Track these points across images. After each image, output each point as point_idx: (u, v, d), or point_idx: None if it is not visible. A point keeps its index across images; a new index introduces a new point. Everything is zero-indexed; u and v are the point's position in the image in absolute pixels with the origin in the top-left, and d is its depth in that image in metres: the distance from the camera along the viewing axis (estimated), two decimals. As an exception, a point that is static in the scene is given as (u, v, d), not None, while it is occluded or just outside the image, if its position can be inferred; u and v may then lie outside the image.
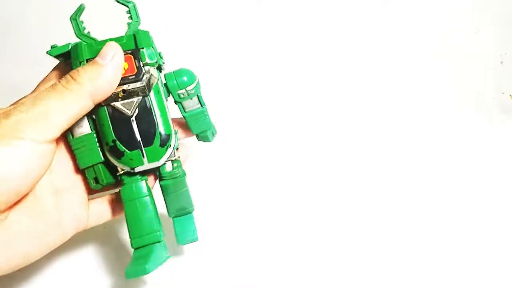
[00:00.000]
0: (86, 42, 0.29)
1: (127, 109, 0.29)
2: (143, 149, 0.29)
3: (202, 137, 0.34)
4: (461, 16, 0.59)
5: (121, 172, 0.30)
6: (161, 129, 0.30)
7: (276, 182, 0.44)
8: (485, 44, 0.59)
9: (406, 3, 0.60)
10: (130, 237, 0.30)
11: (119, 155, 0.29)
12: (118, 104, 0.29)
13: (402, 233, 0.39)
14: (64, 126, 0.27)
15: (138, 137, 0.29)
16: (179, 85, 0.31)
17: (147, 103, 0.29)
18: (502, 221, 0.40)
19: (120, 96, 0.28)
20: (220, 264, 0.36)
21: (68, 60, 0.30)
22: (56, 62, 0.31)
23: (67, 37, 0.30)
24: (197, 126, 0.33)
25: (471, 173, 0.46)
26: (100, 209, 0.32)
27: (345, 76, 0.60)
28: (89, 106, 0.27)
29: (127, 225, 0.30)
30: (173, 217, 0.34)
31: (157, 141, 0.29)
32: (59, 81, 0.27)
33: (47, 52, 0.29)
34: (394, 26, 0.61)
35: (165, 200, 0.33)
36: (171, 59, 0.63)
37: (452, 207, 0.42)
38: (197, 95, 0.32)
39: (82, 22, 0.30)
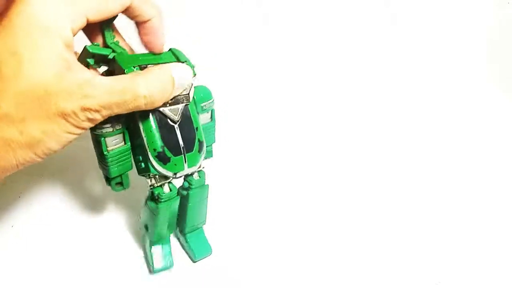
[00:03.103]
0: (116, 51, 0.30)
1: (174, 115, 0.29)
2: (185, 154, 0.30)
3: (207, 152, 0.34)
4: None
5: (157, 184, 0.31)
6: (199, 135, 0.31)
7: (276, 182, 0.44)
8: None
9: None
10: (152, 237, 0.33)
11: (165, 161, 0.29)
12: (166, 110, 0.29)
13: (419, 228, 0.39)
14: None
15: (182, 143, 0.30)
16: (203, 98, 0.32)
17: (187, 111, 0.30)
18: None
19: (168, 102, 0.29)
20: (221, 265, 0.36)
21: (94, 64, 0.29)
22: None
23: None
24: (206, 140, 0.33)
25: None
26: None
27: (354, 74, 0.60)
28: None
29: (155, 229, 0.32)
30: (186, 233, 0.35)
31: (196, 147, 0.30)
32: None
33: (86, 46, 0.28)
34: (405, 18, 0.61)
35: (185, 215, 0.34)
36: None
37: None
38: (212, 110, 0.34)
39: (112, 30, 0.30)
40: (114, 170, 0.30)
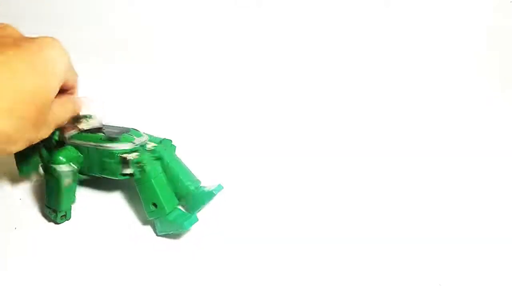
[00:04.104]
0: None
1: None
2: (125, 133, 0.35)
3: None
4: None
5: (132, 158, 0.34)
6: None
7: (277, 182, 0.44)
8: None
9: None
10: (162, 205, 0.34)
11: (116, 138, 0.34)
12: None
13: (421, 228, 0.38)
14: None
15: (116, 130, 0.35)
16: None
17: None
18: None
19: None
20: (219, 264, 0.36)
21: None
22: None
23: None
24: None
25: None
26: None
27: (354, 74, 0.60)
28: None
29: (159, 195, 0.34)
30: (192, 190, 0.37)
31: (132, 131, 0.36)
32: None
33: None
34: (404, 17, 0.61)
35: (176, 174, 0.36)
36: (172, 59, 0.63)
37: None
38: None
39: None
40: (65, 204, 0.34)
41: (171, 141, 0.38)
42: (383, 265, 0.36)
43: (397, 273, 0.35)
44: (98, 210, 0.39)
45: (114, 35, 0.65)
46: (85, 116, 0.35)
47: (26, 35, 0.31)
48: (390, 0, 0.62)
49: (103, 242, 0.36)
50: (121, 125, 0.36)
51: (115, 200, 0.40)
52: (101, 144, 0.33)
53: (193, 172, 0.38)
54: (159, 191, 0.34)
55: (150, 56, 0.63)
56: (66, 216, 0.35)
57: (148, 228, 0.36)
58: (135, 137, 0.34)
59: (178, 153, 0.39)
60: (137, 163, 0.33)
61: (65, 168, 0.33)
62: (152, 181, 0.34)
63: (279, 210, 0.40)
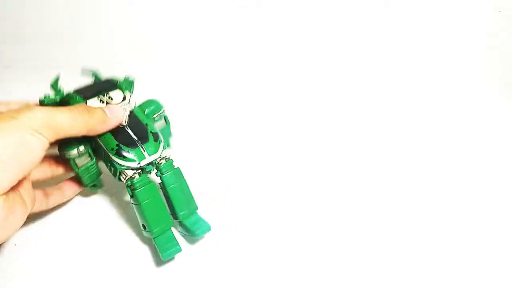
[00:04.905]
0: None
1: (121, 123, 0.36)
2: (142, 145, 0.35)
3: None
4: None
5: (128, 177, 0.35)
6: (150, 129, 0.36)
7: (277, 182, 0.44)
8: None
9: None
10: (149, 229, 0.34)
11: (124, 156, 0.35)
12: None
13: (421, 229, 0.39)
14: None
15: (135, 138, 0.35)
16: (154, 110, 0.39)
17: (134, 115, 0.37)
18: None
19: None
20: (220, 265, 0.36)
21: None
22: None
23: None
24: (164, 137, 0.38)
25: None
26: (38, 196, 0.36)
27: (353, 75, 0.60)
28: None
29: (146, 219, 0.34)
30: (183, 219, 0.36)
31: (151, 137, 0.36)
32: (76, 108, 0.33)
33: (40, 101, 0.35)
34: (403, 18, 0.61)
35: (171, 200, 0.36)
36: (173, 59, 0.63)
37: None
38: (164, 117, 0.40)
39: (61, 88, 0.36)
40: (86, 180, 0.38)
41: (175, 167, 0.37)
42: (383, 266, 0.36)
43: (397, 274, 0.35)
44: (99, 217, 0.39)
45: (114, 34, 0.65)
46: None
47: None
48: (390, 0, 0.62)
49: (100, 243, 0.36)
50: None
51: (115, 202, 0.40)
52: (110, 155, 0.34)
53: (193, 172, 0.38)
54: (148, 215, 0.34)
55: (150, 56, 0.63)
56: (96, 186, 0.39)
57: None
58: (145, 156, 0.35)
59: (179, 153, 0.39)
60: (129, 186, 0.34)
61: (74, 152, 0.35)
62: (141, 204, 0.34)
63: (279, 210, 0.41)
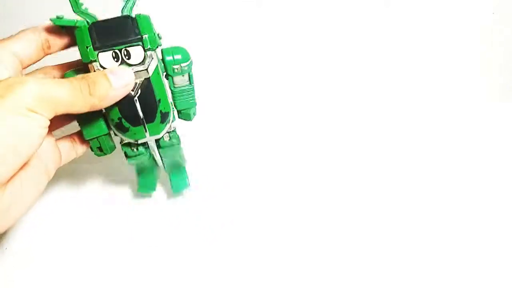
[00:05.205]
0: (85, 19, 0.30)
1: (131, 90, 0.30)
2: (145, 125, 0.32)
3: (184, 114, 0.36)
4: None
5: (124, 142, 0.34)
6: (161, 107, 0.32)
7: (277, 182, 0.44)
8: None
9: None
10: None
11: (124, 130, 0.32)
12: None
13: (417, 230, 0.39)
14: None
15: (141, 115, 0.31)
16: (174, 60, 0.33)
17: (149, 85, 0.31)
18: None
19: None
20: (218, 264, 0.36)
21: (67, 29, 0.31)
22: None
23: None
24: (182, 103, 0.35)
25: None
26: (65, 149, 0.34)
27: (352, 75, 0.60)
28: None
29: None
30: (168, 172, 0.39)
31: (158, 118, 0.32)
32: (76, 81, 0.28)
33: (50, 19, 0.29)
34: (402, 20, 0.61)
35: (161, 158, 0.37)
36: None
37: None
38: (189, 73, 0.33)
39: None
40: (88, 133, 0.32)
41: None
42: (383, 267, 0.36)
43: (397, 275, 0.35)
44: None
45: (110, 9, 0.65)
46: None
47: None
48: (390, 0, 0.63)
49: (100, 243, 0.37)
50: None
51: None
52: (110, 124, 0.33)
53: (190, 168, 0.40)
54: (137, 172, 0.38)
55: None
56: (102, 150, 0.34)
57: (144, 227, 0.37)
58: (146, 135, 0.33)
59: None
60: (123, 148, 0.34)
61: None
62: (129, 162, 0.35)
63: (277, 207, 0.41)
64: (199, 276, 0.34)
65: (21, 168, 0.27)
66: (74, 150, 0.34)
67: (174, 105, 0.35)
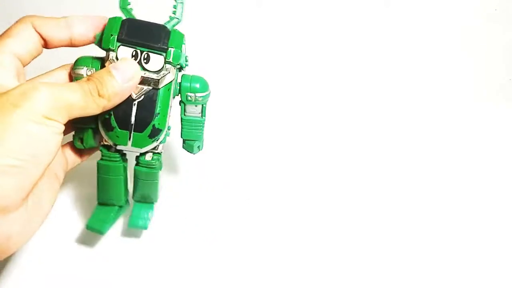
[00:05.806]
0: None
1: (134, 92, 0.30)
2: (132, 132, 0.30)
3: (188, 145, 0.35)
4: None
5: (104, 143, 0.32)
6: (156, 122, 0.31)
7: (277, 182, 0.44)
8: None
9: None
10: (97, 195, 0.34)
11: (109, 128, 0.30)
12: None
13: (417, 230, 0.39)
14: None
15: (133, 120, 0.30)
16: (191, 88, 0.32)
17: (154, 95, 0.30)
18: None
19: None
20: (218, 264, 0.36)
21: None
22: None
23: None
24: (188, 133, 0.34)
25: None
26: (70, 154, 0.33)
27: (351, 76, 0.60)
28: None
29: (97, 188, 0.33)
30: (135, 201, 0.36)
31: (147, 131, 0.31)
32: (86, 83, 0.28)
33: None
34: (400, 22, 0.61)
35: (133, 183, 0.34)
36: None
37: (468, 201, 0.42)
38: (202, 105, 0.33)
39: None
40: (76, 120, 0.30)
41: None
42: (383, 267, 0.36)
43: (397, 275, 0.35)
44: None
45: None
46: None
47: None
48: (390, 0, 0.63)
49: (99, 243, 0.37)
50: None
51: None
52: (98, 117, 0.31)
53: (191, 166, 0.40)
54: (99, 185, 0.33)
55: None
56: (82, 142, 0.33)
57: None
58: (127, 143, 0.31)
59: (179, 146, 0.39)
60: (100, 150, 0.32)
61: (81, 71, 0.31)
62: (98, 175, 0.33)
63: (278, 210, 0.41)
64: (199, 276, 0.34)
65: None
66: (78, 154, 0.34)
67: (180, 133, 0.35)
